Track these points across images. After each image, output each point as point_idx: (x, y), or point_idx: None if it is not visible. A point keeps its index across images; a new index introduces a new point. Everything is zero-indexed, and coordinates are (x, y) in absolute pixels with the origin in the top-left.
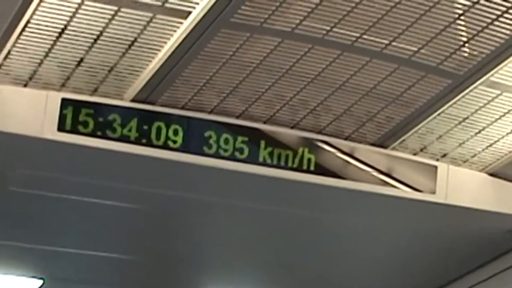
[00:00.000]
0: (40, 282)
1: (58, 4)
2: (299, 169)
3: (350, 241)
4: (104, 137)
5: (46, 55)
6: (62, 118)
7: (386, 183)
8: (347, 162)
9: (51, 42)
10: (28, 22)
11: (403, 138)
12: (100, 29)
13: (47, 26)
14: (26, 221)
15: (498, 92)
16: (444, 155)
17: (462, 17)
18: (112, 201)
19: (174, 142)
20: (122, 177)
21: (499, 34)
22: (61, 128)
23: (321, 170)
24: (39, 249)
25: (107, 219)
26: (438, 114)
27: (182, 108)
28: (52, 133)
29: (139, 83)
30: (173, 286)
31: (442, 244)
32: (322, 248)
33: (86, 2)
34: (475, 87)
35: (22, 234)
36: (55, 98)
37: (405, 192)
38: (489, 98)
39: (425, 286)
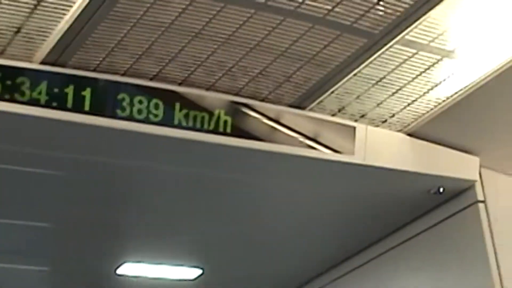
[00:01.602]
0: None
1: None
2: (215, 131)
3: (271, 204)
4: (13, 100)
5: None
6: None
7: (305, 145)
8: (264, 124)
9: None
10: None
11: (320, 99)
12: None
13: None
14: None
15: (414, 51)
16: (363, 116)
17: None
18: (23, 167)
19: (86, 105)
20: (33, 142)
21: None
22: None
23: (237, 132)
24: None
25: (21, 186)
26: (355, 74)
27: (94, 70)
28: None
29: (48, 44)
30: (97, 256)
31: (363, 206)
32: (242, 212)
33: None
34: (391, 46)
35: None
36: None
37: (323, 153)
38: (405, 57)
39: (347, 249)
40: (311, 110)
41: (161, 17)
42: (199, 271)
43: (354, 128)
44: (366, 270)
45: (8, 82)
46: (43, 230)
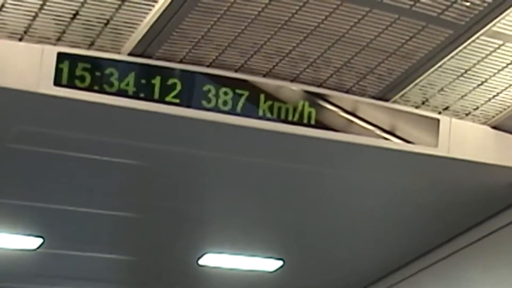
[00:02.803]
0: (40, 240)
1: None
2: (299, 123)
3: (352, 196)
4: (101, 91)
5: (41, 8)
6: (58, 73)
7: (388, 137)
8: (348, 116)
9: None
10: None
11: (404, 91)
12: None
13: None
14: (24, 178)
15: (500, 42)
16: (446, 108)
17: None
18: (110, 157)
19: (173, 96)
20: (120, 132)
21: None
22: (57, 82)
23: (321, 124)
24: (38, 207)
25: (106, 176)
26: (440, 66)
27: (180, 62)
28: (48, 88)
29: (136, 36)
30: (179, 246)
31: (445, 199)
32: (323, 204)
33: None
34: (477, 38)
35: (21, 192)
36: (51, 52)
37: (407, 146)
38: (491, 49)
39: (427, 241)
40: (394, 102)
41: (246, 9)
42: (280, 263)
43: (438, 120)
44: (441, 267)
45: (98, 73)
46: (127, 220)
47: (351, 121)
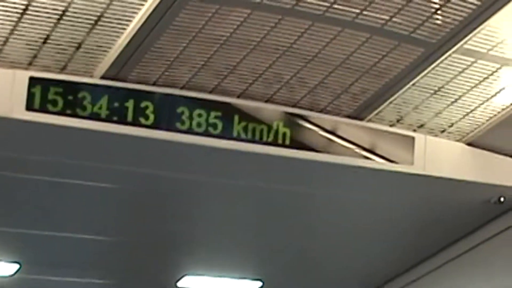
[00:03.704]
0: (17, 266)
1: None
2: (274, 143)
3: (331, 215)
4: (74, 115)
5: (11, 33)
6: (30, 97)
7: (363, 156)
8: (323, 135)
9: (16, 19)
10: None
11: (379, 109)
12: (66, 4)
13: (10, 3)
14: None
15: (473, 59)
16: (421, 126)
17: None
18: (85, 181)
19: (146, 118)
20: (94, 156)
21: (471, 0)
22: (29, 107)
23: (296, 144)
24: (14, 232)
25: (81, 200)
26: (413, 84)
27: (154, 84)
28: (20, 113)
29: (108, 59)
30: (157, 269)
31: (423, 216)
32: (301, 224)
33: None
34: (449, 55)
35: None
36: (22, 76)
37: (383, 164)
38: (464, 66)
39: (409, 259)
40: (369, 121)
41: (220, 30)
42: (259, 284)
43: (413, 138)
44: (427, 280)
45: (70, 97)
46: (104, 244)
47: (326, 140)
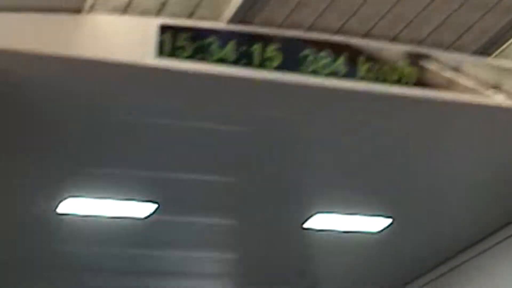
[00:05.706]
0: (155, 206)
1: None
2: (399, 83)
3: (453, 159)
4: (203, 60)
5: None
6: (160, 44)
7: (490, 93)
8: (448, 73)
9: None
10: None
11: (504, 46)
12: None
13: None
14: (134, 149)
15: None
16: None
17: None
18: (213, 125)
19: (272, 62)
20: (221, 100)
21: None
22: (160, 54)
23: (421, 83)
24: (151, 175)
25: (211, 143)
26: None
27: (279, 27)
28: (151, 59)
29: (235, 3)
30: (281, 210)
31: None
32: (427, 166)
33: None
34: None
35: (133, 162)
36: (153, 24)
37: (507, 102)
38: None
39: None
40: (495, 57)
41: None
42: (389, 221)
43: None
44: None
45: (198, 43)
46: (230, 185)
47: (453, 79)
